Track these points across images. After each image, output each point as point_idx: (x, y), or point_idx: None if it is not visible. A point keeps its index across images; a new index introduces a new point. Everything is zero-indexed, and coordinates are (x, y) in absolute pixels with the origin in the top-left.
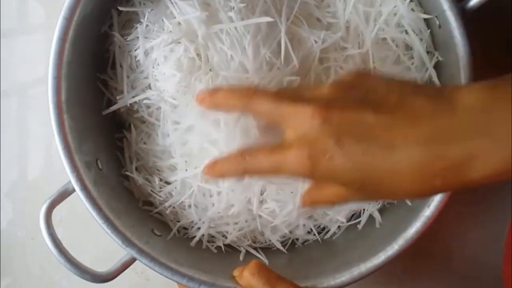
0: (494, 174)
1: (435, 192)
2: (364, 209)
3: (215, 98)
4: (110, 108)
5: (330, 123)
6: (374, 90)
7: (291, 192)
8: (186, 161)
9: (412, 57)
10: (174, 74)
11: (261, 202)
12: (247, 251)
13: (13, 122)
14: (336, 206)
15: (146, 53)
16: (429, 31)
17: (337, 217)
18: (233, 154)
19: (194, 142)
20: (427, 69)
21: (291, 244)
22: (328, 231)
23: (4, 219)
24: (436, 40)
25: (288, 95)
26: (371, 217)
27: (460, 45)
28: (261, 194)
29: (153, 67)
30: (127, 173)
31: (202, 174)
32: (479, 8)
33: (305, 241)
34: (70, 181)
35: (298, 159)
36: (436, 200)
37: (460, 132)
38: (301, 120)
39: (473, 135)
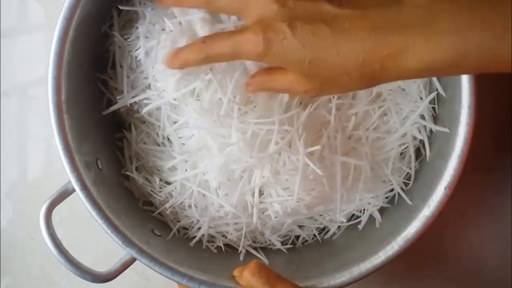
0: (424, 68)
1: (377, 80)
2: (364, 209)
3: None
4: (110, 108)
5: (285, 8)
6: None
7: (290, 192)
8: (186, 161)
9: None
10: (174, 74)
11: (261, 202)
12: (247, 251)
13: (13, 122)
14: (284, 94)
15: (147, 53)
16: None
17: (337, 217)
18: (194, 41)
19: (193, 141)
20: None
21: (291, 244)
22: (328, 231)
23: (4, 219)
24: None
25: None
26: (371, 218)
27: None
28: (261, 194)
29: (153, 67)
30: (127, 173)
31: (164, 65)
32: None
33: (305, 241)
34: (70, 181)
35: (253, 40)
36: (436, 201)
37: (402, 23)
38: (260, 6)
39: (411, 27)
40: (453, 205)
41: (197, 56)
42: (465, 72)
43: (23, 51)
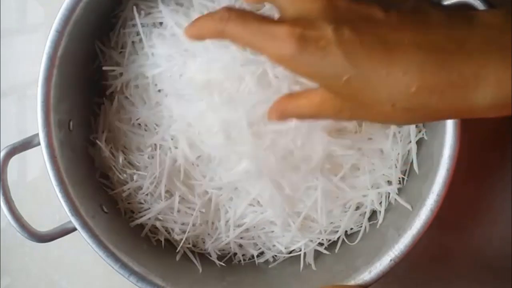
0: (499, 103)
1: (428, 116)
2: (301, 249)
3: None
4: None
5: (333, 9)
6: None
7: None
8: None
9: (401, 126)
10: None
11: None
12: (184, 253)
13: (12, 122)
14: (312, 121)
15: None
16: None
17: (276, 244)
18: (220, 10)
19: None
20: (410, 141)
21: (228, 259)
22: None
23: (4, 219)
24: None
25: None
26: (321, 254)
27: (450, 136)
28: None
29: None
30: (97, 141)
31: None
32: None
33: (240, 260)
34: (37, 134)
35: (286, 36)
36: (379, 269)
37: (474, 47)
38: (302, 0)
39: (487, 52)
40: (453, 205)
41: (214, 28)
42: None
43: (22, 51)
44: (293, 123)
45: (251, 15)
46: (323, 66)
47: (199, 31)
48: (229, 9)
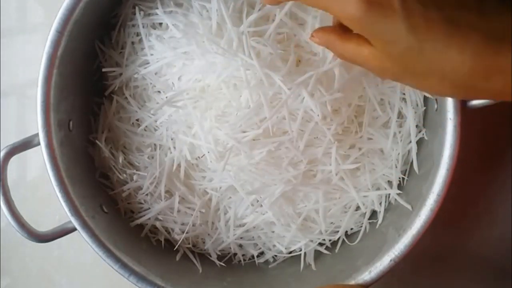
0: None
1: (471, 94)
2: (301, 249)
3: None
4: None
5: None
6: None
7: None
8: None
9: (401, 126)
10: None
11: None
12: (184, 253)
13: (13, 122)
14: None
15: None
16: (424, 108)
17: (276, 244)
18: None
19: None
20: (410, 141)
21: (228, 260)
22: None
23: (4, 219)
24: (428, 118)
25: None
26: (321, 254)
27: (450, 136)
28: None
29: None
30: (97, 141)
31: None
32: (480, 109)
33: (240, 261)
34: (37, 134)
35: (354, 1)
36: (379, 269)
37: None
38: None
39: None
40: (453, 205)
41: None
42: None
43: (22, 51)
44: (294, 132)
45: None
46: (384, 33)
47: None
48: None
